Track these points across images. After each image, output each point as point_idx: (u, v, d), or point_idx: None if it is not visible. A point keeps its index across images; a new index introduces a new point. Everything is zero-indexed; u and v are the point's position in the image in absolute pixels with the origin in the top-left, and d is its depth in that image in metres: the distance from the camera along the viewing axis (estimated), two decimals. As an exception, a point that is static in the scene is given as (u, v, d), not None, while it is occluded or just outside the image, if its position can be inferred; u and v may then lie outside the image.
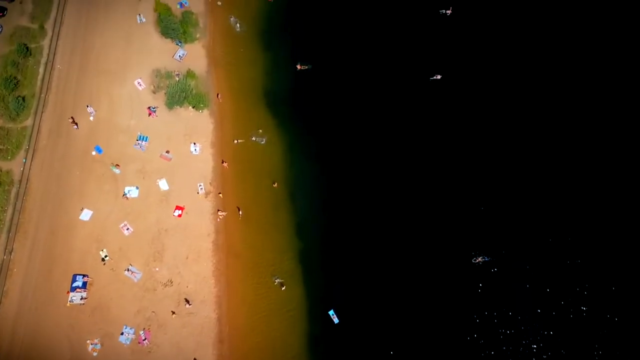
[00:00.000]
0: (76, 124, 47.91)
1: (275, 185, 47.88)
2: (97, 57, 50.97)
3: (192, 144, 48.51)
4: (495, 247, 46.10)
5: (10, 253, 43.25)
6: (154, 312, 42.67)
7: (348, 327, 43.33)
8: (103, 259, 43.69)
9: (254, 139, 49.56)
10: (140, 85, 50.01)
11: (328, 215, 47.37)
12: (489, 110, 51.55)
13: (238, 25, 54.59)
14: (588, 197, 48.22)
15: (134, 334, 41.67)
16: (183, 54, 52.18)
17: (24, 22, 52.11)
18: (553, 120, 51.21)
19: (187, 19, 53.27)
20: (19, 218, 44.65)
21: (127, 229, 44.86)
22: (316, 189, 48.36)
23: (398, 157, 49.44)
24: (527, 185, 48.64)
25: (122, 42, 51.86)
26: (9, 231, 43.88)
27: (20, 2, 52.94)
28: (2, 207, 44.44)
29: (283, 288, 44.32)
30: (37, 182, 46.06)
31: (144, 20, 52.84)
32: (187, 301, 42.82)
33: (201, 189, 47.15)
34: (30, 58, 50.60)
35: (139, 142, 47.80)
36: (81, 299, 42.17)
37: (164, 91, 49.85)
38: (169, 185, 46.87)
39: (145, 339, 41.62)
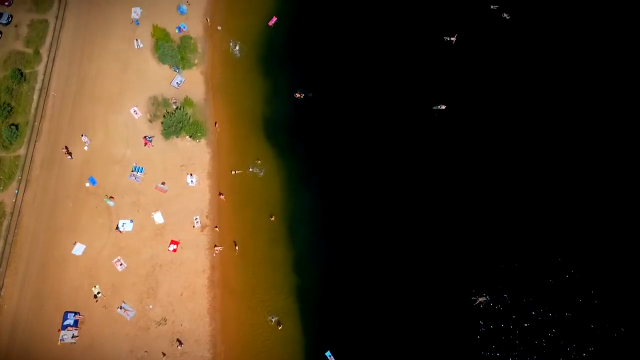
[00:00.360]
0: (70, 153, 46.86)
1: (273, 218, 46.70)
2: (93, 84, 49.91)
3: (189, 175, 47.37)
4: (496, 286, 44.78)
5: (0, 289, 42.20)
6: (146, 351, 41.55)
7: (345, 368, 42.21)
8: (95, 296, 42.60)
9: (251, 169, 48.38)
10: (136, 113, 48.90)
11: (326, 250, 46.15)
12: (493, 143, 50.15)
13: (238, 50, 53.41)
14: (586, 235, 46.71)
15: (126, 375, 40.64)
16: (181, 81, 51.04)
17: (19, 46, 51.11)
18: (558, 156, 49.71)
19: (185, 44, 52.10)
20: (10, 252, 43.63)
21: (121, 264, 43.77)
22: (314, 223, 47.14)
23: (399, 191, 48.12)
24: (530, 222, 47.26)
25: (119, 68, 50.76)
26: (-1, 266, 42.99)
27: (16, 26, 51.95)
28: (-8, 241, 43.57)
29: (279, 327, 43.13)
30: (29, 214, 45.04)
31: (141, 45, 51.71)
32: (180, 342, 41.67)
33: (197, 222, 46.02)
34: (24, 84, 49.58)
35: (134, 173, 46.69)
36: (72, 337, 41.10)
37: (160, 120, 48.72)
38: (164, 218, 45.75)
39: (137, 380, 40.60)
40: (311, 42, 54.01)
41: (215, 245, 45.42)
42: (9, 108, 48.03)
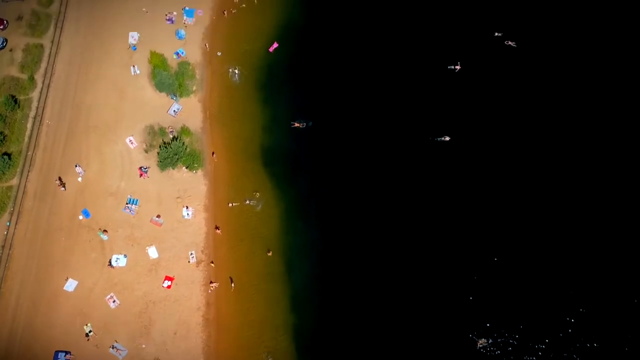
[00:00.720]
0: (64, 185, 45.79)
1: (270, 254, 45.53)
2: (88, 112, 48.83)
3: (185, 208, 46.25)
4: (499, 328, 43.61)
5: (-10, 327, 41.20)
6: (138, 393, 40.51)
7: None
8: (87, 334, 41.51)
9: (248, 202, 47.21)
10: (132, 143, 47.80)
11: (325, 288, 44.95)
12: (498, 176, 48.78)
13: (237, 76, 52.26)
14: (585, 271, 45.56)
15: (116, 418, 39.58)
16: (178, 109, 49.92)
17: (13, 72, 50.07)
18: (565, 192, 48.39)
19: (183, 70, 50.98)
20: (0, 287, 42.56)
21: (114, 301, 42.68)
22: (313, 258, 45.93)
23: (400, 227, 46.81)
24: (533, 260, 46.03)
25: (115, 95, 49.67)
26: (-11, 303, 41.93)
27: (10, 50, 50.91)
28: (-18, 277, 42.52)
29: (276, 368, 42.04)
30: (21, 248, 44.01)
31: (138, 72, 50.60)
32: (174, 384, 40.63)
33: (192, 257, 44.90)
34: (18, 111, 48.54)
35: (129, 205, 45.58)
36: (63, 377, 40.07)
37: (156, 150, 47.59)
38: (158, 253, 44.65)
39: None
40: (312, 69, 52.71)
41: (210, 282, 44.30)
42: (2, 136, 46.99)
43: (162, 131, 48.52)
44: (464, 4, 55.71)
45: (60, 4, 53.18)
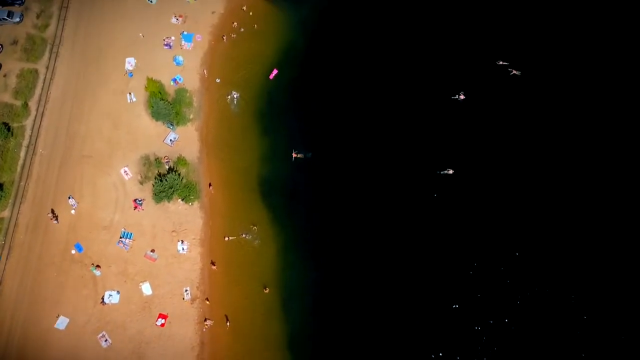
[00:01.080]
0: (56, 217, 44.70)
1: (267, 290, 44.36)
2: (82, 141, 47.76)
3: (180, 242, 45.12)
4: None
5: (-22, 367, 40.13)
6: None
7: None
8: (78, 375, 40.44)
9: (245, 236, 46.05)
10: (127, 174, 46.70)
11: (323, 327, 43.70)
12: (504, 212, 47.49)
13: (236, 103, 51.15)
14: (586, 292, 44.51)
15: None
16: (175, 138, 48.80)
17: (7, 98, 49.02)
18: (568, 225, 47.12)
19: (180, 97, 49.87)
20: (-11, 325, 41.52)
21: (106, 340, 41.55)
22: (311, 296, 44.74)
23: (402, 263, 45.57)
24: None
25: (110, 124, 48.59)
26: (-23, 341, 40.85)
27: (4, 76, 49.86)
28: (-29, 314, 41.47)
29: (271, 411, 40.89)
30: (12, 283, 42.95)
31: (134, 99, 49.50)
32: None
33: (187, 294, 43.76)
34: (11, 139, 47.45)
35: (123, 239, 44.47)
36: (52, 420, 38.95)
37: (152, 182, 46.46)
38: (152, 289, 43.52)
39: None
40: (313, 98, 51.45)
41: (205, 319, 43.14)
42: (-6, 166, 45.99)
43: (158, 162, 47.40)
44: (467, 32, 54.46)
45: (57, 28, 52.12)
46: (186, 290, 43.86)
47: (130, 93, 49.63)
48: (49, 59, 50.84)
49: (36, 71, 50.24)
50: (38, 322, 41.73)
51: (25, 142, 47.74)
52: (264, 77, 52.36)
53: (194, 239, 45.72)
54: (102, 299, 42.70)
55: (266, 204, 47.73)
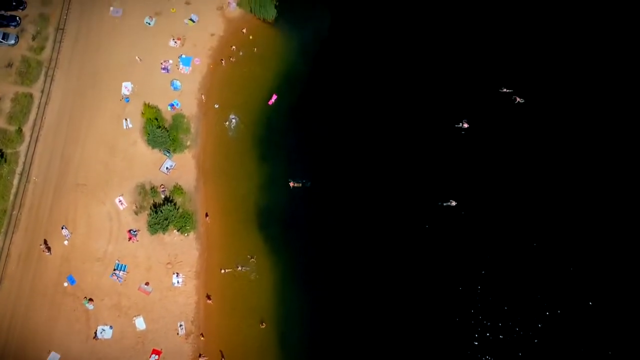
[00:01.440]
0: (49, 248, 43.80)
1: (264, 325, 43.39)
2: (77, 169, 46.81)
3: (175, 275, 44.19)
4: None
5: (-34, 405, 39.23)
6: None
7: None
8: (68, 414, 39.55)
9: (241, 268, 45.06)
10: (121, 203, 45.75)
11: (321, 363, 42.82)
12: (509, 244, 46.41)
13: (233, 129, 50.16)
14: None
15: None
16: (171, 166, 47.84)
17: (1, 123, 48.09)
18: (573, 252, 46.06)
19: (177, 123, 48.92)
20: (-21, 360, 40.65)
21: (97, 377, 40.68)
22: (309, 332, 43.79)
23: (402, 298, 44.57)
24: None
25: (105, 151, 47.63)
26: (-34, 378, 40.03)
27: (-1, 100, 48.93)
28: (-40, 349, 40.58)
29: None
30: (2, 316, 42.04)
31: (130, 126, 48.53)
32: None
33: (182, 328, 42.83)
34: (4, 166, 46.53)
35: (116, 272, 43.55)
36: None
37: (147, 212, 45.50)
38: (146, 324, 42.60)
39: None
40: (313, 125, 50.36)
41: (200, 355, 42.21)
42: (-14, 194, 45.09)
43: (154, 191, 46.43)
44: (471, 59, 53.28)
45: (52, 51, 51.16)
46: (180, 325, 42.94)
47: (126, 119, 48.67)
48: (44, 82, 49.91)
49: (31, 95, 49.30)
50: (29, 358, 40.79)
51: (18, 169, 46.83)
52: (263, 102, 51.35)
53: (189, 271, 44.77)
54: (95, 333, 41.82)
55: (263, 234, 46.74)
